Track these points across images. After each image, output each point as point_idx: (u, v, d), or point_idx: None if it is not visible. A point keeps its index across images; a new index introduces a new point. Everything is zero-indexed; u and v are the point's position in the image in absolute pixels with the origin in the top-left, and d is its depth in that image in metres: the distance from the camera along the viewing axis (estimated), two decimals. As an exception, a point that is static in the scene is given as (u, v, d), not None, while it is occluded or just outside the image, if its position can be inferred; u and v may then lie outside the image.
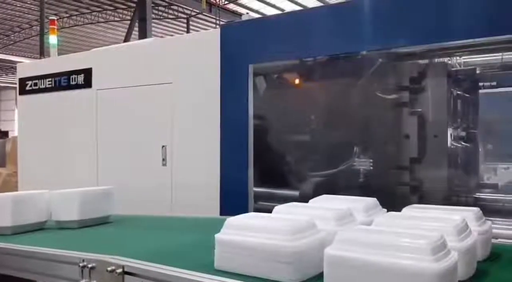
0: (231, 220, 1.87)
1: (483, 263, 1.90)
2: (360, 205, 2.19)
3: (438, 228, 1.69)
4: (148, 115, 4.32)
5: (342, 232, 1.62)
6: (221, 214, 3.70)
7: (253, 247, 1.72)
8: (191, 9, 16.34)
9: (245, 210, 3.61)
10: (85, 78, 4.86)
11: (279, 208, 2.13)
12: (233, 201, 3.72)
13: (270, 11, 15.63)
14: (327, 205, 2.17)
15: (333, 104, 4.07)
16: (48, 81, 5.19)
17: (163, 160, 4.18)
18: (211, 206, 3.76)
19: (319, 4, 14.26)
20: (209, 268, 1.83)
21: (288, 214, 2.02)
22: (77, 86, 4.89)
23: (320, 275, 1.67)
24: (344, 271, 1.51)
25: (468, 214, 1.99)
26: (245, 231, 1.78)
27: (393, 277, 1.42)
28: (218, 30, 3.90)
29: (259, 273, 1.70)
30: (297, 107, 4.22)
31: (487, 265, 1.90)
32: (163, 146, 4.18)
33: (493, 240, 2.13)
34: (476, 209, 2.09)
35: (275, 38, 3.59)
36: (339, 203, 2.25)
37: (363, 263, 1.47)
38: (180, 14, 17.12)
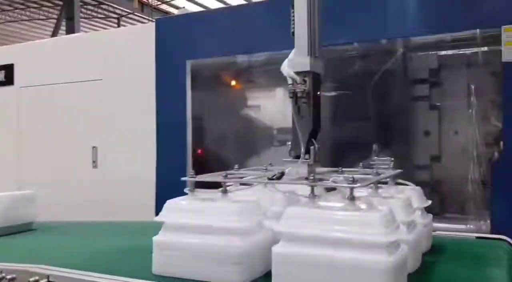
0: (170, 219, 1.73)
1: (427, 256, 1.90)
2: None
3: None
4: (76, 114, 4.05)
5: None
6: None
7: (196, 248, 1.59)
8: (122, 8, 15.80)
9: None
10: (6, 75, 4.49)
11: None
12: (170, 203, 3.55)
13: (204, 13, 15.43)
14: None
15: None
16: (-34, 78, 4.74)
17: (94, 161, 3.93)
18: (146, 209, 3.56)
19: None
20: (146, 274, 1.67)
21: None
22: (-3, 84, 4.52)
23: (267, 274, 1.59)
24: (294, 268, 1.42)
25: (412, 193, 1.97)
26: (187, 230, 1.64)
27: (345, 271, 1.35)
28: (153, 24, 3.73)
29: (202, 276, 1.58)
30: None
31: (431, 258, 1.89)
32: (93, 147, 3.93)
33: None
34: (417, 188, 2.08)
35: (214, 33, 3.48)
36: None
37: (313, 259, 1.39)
38: (110, 14, 16.50)
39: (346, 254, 1.36)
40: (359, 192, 1.92)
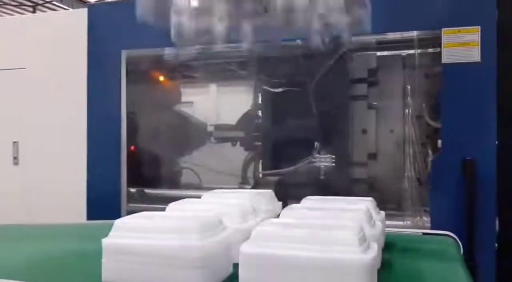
0: (121, 221, 1.56)
1: (383, 253, 1.89)
2: (259, 198, 2.04)
3: (351, 218, 1.60)
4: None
5: (259, 227, 1.43)
6: (88, 218, 3.28)
7: (152, 251, 1.44)
8: (38, -4, 14.78)
9: (117, 213, 3.26)
10: None
11: (173, 206, 1.88)
12: (102, 203, 3.31)
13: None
14: (226, 200, 1.97)
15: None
16: None
17: (14, 158, 3.57)
18: (76, 209, 3.31)
19: None
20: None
21: (185, 211, 1.78)
22: None
23: (229, 278, 1.49)
24: (264, 270, 1.33)
25: (367, 204, 1.97)
26: (141, 232, 1.49)
27: (321, 271, 1.28)
28: (85, 10, 3.45)
29: (160, 282, 1.44)
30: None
31: (388, 255, 1.89)
32: (14, 142, 3.57)
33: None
34: (371, 199, 2.09)
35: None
36: (236, 197, 2.08)
37: (287, 259, 1.30)
38: (25, 2, 15.35)
39: (319, 253, 1.30)
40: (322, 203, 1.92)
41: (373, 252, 1.36)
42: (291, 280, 1.30)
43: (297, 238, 1.34)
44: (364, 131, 3.59)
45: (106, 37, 3.37)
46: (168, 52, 3.68)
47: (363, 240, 1.36)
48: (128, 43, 3.34)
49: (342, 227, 1.40)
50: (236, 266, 1.48)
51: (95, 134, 3.39)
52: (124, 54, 3.33)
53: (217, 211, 1.68)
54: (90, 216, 3.27)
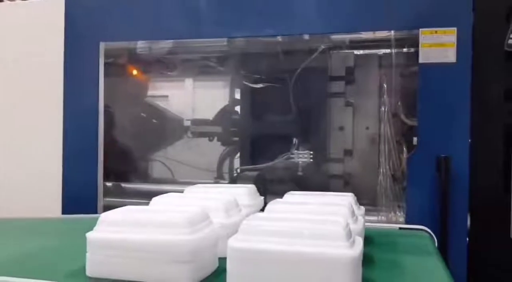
0: (106, 215, 1.55)
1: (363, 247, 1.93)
2: (242, 192, 2.05)
3: (336, 212, 1.64)
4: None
5: (247, 221, 1.45)
6: (63, 213, 3.22)
7: (139, 245, 1.44)
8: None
9: (93, 207, 3.22)
10: None
11: (157, 200, 1.87)
12: (78, 198, 3.25)
13: None
14: (209, 195, 1.98)
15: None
16: None
17: (-16, 153, 3.47)
18: (51, 204, 3.24)
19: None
20: (79, 276, 1.48)
21: (170, 205, 1.78)
22: None
23: (216, 273, 1.50)
24: (253, 264, 1.34)
25: (349, 199, 2.01)
26: (128, 226, 1.48)
27: (310, 265, 1.30)
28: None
29: (147, 277, 1.43)
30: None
31: (367, 249, 1.93)
32: (-17, 135, 3.47)
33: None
34: (351, 194, 2.14)
35: (133, 13, 3.24)
36: (218, 191, 2.09)
37: (276, 254, 1.32)
38: (-8, -11, 14.81)
39: (307, 248, 1.32)
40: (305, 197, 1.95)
41: (360, 246, 1.39)
42: (280, 275, 1.31)
43: (285, 232, 1.36)
44: (341, 128, 3.64)
45: (84, 28, 3.29)
46: (145, 45, 3.64)
47: (349, 234, 1.39)
48: (107, 35, 3.28)
49: (329, 221, 1.42)
50: (220, 260, 1.50)
51: (71, 127, 3.32)
52: (102, 46, 3.26)
53: (201, 205, 1.69)
54: (66, 210, 3.20)
